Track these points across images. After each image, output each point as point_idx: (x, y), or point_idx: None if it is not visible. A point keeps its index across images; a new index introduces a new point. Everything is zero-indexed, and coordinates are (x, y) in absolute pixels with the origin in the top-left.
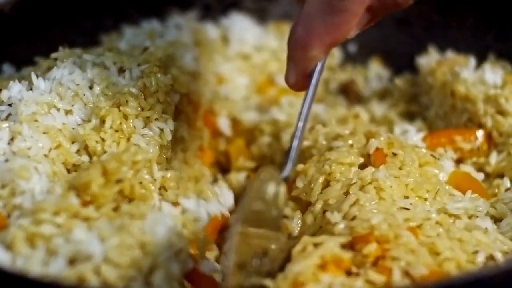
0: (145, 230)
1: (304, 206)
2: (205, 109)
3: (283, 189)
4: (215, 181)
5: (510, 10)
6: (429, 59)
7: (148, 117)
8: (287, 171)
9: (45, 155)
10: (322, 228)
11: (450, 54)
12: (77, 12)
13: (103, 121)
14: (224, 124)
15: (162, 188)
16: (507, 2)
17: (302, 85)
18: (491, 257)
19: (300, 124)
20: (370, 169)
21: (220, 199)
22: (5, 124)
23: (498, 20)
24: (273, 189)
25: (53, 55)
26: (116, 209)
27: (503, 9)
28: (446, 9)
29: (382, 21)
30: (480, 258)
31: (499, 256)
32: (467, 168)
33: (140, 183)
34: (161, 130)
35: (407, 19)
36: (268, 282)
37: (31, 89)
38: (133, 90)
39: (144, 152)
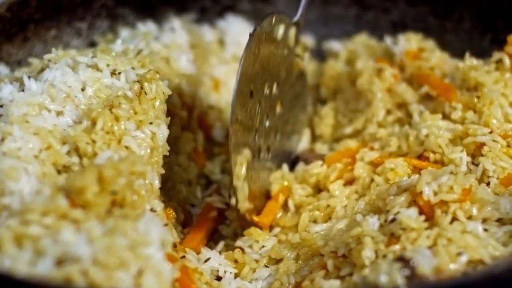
0: (139, 230)
1: None
2: (199, 112)
3: (293, 30)
4: (208, 183)
5: (506, 15)
6: None
7: (141, 121)
8: (298, 15)
9: (35, 156)
10: None
11: None
12: (73, 13)
13: (94, 123)
14: (219, 134)
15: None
16: (503, 7)
17: None
18: (480, 261)
19: None
20: None
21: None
22: None
23: (494, 25)
24: (282, 30)
25: (46, 56)
26: (107, 214)
27: (499, 13)
28: (443, 13)
29: (378, 24)
30: (463, 260)
31: (488, 261)
32: None
33: (133, 190)
34: (153, 133)
35: (404, 22)
36: None
37: (23, 90)
38: (129, 93)
39: (142, 163)
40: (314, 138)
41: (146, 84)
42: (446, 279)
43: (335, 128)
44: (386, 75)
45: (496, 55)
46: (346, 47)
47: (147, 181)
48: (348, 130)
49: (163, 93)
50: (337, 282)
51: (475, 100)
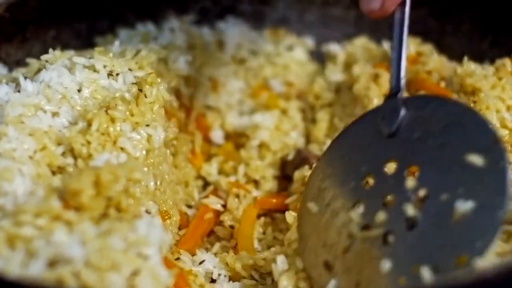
0: (139, 232)
1: None
2: (198, 113)
3: None
4: (205, 184)
5: (505, 17)
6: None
7: (137, 123)
8: (402, 82)
9: (30, 157)
10: None
11: None
12: (73, 14)
13: (90, 124)
14: (217, 136)
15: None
16: (503, 9)
17: (387, 10)
18: None
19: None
20: None
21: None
22: None
23: (494, 27)
24: None
25: (44, 57)
26: (102, 217)
27: (499, 15)
28: (442, 15)
29: (378, 26)
30: None
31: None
32: None
33: (129, 193)
34: (150, 135)
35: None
36: None
37: (19, 91)
38: (127, 95)
39: (141, 171)
40: (309, 141)
41: (147, 87)
42: (440, 282)
43: (331, 131)
44: (382, 81)
45: (498, 62)
46: (345, 50)
47: (142, 183)
48: None
49: (163, 97)
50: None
51: (472, 105)
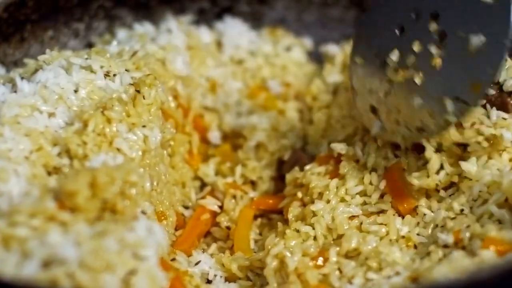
0: (136, 233)
1: None
2: (195, 114)
3: None
4: (202, 185)
5: None
6: None
7: (133, 123)
8: None
9: (26, 157)
10: None
11: None
12: (70, 14)
13: (86, 125)
14: (214, 137)
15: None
16: None
17: None
18: None
19: None
20: None
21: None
22: None
23: None
24: None
25: (41, 57)
26: (97, 218)
27: None
28: None
29: None
30: None
31: None
32: None
33: (125, 195)
34: (146, 136)
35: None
36: None
37: (15, 91)
38: (124, 96)
39: (137, 173)
40: (306, 142)
41: (145, 88)
42: (434, 282)
43: (328, 133)
44: None
45: None
46: (344, 51)
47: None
48: (341, 136)
49: (161, 100)
50: None
51: None
